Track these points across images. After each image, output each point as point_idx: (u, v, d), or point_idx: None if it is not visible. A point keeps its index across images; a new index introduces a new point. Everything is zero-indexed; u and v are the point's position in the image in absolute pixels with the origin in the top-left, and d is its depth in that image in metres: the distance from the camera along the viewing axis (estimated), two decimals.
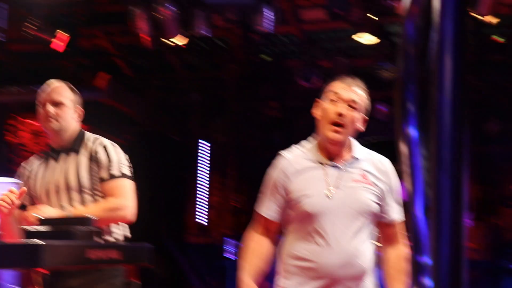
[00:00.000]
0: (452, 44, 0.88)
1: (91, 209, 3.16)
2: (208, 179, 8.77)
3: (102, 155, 3.25)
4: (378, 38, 7.34)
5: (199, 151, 8.78)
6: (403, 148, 1.06)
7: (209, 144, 8.80)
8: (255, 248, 3.00)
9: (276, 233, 3.03)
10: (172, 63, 8.33)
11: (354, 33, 7.30)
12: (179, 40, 7.07)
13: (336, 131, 2.87)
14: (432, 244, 0.84)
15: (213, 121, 8.78)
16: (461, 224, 0.83)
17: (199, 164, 8.73)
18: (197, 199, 8.68)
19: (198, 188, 8.70)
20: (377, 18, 6.96)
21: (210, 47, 8.32)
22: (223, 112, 8.63)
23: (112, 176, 3.23)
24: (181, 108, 8.93)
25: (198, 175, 8.72)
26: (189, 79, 8.61)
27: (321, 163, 2.92)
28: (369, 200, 2.91)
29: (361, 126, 2.96)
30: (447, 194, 0.83)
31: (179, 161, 8.69)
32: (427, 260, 0.95)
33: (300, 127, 8.67)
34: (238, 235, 8.28)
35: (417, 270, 0.95)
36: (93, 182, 3.24)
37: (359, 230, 2.92)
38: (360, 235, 2.92)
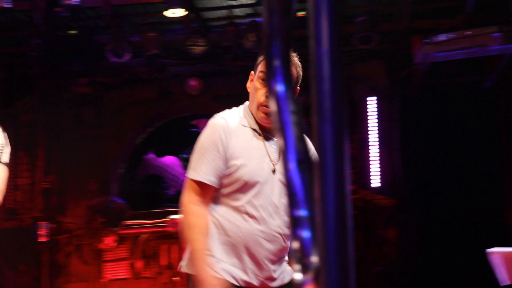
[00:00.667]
0: None
1: None
2: (15, 160, 8.36)
3: None
4: (189, 12, 7.34)
5: (6, 131, 8.33)
6: (273, 104, 1.06)
7: (15, 124, 8.39)
8: (201, 223, 2.83)
9: (211, 199, 2.89)
10: None
11: (164, 7, 7.25)
12: None
13: (266, 113, 2.84)
14: (317, 195, 0.84)
15: (19, 99, 8.38)
16: (345, 174, 0.84)
17: None
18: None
19: None
20: None
21: (11, 21, 7.91)
22: (29, 89, 8.25)
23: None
24: None
25: None
26: None
27: (259, 133, 2.87)
28: None
29: None
30: (330, 144, 0.83)
31: None
32: (303, 213, 0.96)
33: (111, 103, 8.51)
34: (49, 217, 8.00)
35: (295, 223, 0.96)
36: None
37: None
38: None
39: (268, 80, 1.10)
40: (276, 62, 1.07)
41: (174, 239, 7.56)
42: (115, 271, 7.87)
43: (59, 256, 8.17)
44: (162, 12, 7.34)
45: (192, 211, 2.85)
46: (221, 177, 2.86)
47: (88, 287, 7.98)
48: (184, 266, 2.96)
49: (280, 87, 1.06)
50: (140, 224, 7.72)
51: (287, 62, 1.08)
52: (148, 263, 7.90)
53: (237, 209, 2.85)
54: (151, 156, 9.32)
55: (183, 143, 9.06)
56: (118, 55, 7.48)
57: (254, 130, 2.90)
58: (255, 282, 2.89)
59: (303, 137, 1.04)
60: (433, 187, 8.11)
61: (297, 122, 1.04)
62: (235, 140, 2.86)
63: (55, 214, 8.13)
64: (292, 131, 1.02)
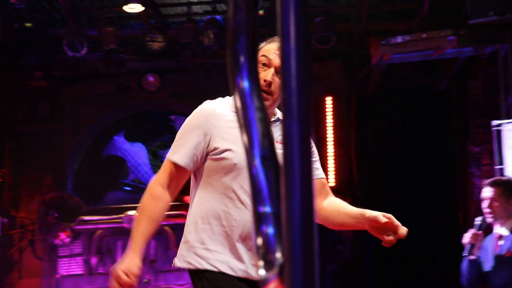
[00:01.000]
0: None
1: None
2: None
3: None
4: (147, 8, 7.32)
5: None
6: (237, 101, 1.07)
7: None
8: (156, 208, 2.82)
9: (182, 185, 2.89)
10: None
11: (122, 2, 7.21)
12: None
13: (264, 99, 2.78)
14: (283, 192, 0.84)
15: None
16: (310, 170, 0.85)
17: None
18: None
19: None
20: None
21: None
22: None
23: None
24: None
25: None
26: None
27: None
28: None
29: None
30: (296, 140, 0.84)
31: None
32: (268, 209, 0.97)
33: (67, 97, 8.43)
34: (2, 211, 7.89)
35: (259, 220, 0.96)
36: None
37: None
38: None
39: (233, 76, 1.11)
40: (242, 58, 1.07)
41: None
42: (69, 266, 7.80)
43: (12, 251, 8.06)
44: (121, 7, 7.30)
45: (154, 192, 2.84)
46: (199, 162, 2.84)
47: (41, 283, 7.89)
48: (184, 261, 2.87)
49: (245, 84, 1.06)
50: (95, 219, 7.66)
51: (252, 58, 1.09)
52: (103, 259, 7.84)
53: (228, 196, 2.80)
54: (121, 138, 9.25)
55: (156, 134, 9.02)
56: (74, 49, 7.40)
57: None
58: (252, 272, 2.82)
59: (268, 133, 1.05)
60: (388, 187, 8.20)
61: (262, 118, 1.05)
62: (224, 125, 2.82)
63: (8, 208, 8.01)
64: (257, 127, 1.03)
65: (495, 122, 6.22)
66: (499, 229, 4.94)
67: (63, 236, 7.56)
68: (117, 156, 9.22)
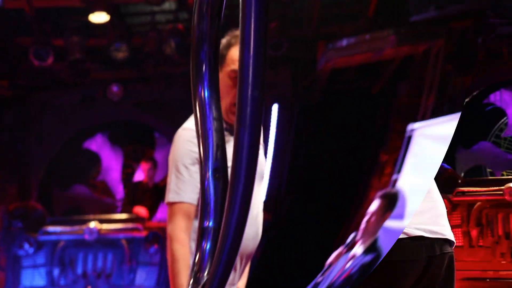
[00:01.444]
0: (255, 5, 0.90)
1: None
2: None
3: None
4: (112, 17, 7.31)
5: None
6: (197, 110, 1.08)
7: None
8: (187, 257, 2.56)
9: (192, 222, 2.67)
10: None
11: (88, 12, 7.20)
12: None
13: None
14: (227, 205, 0.83)
15: None
16: (253, 185, 0.86)
17: None
18: None
19: None
20: None
21: None
22: None
23: None
24: None
25: None
26: None
27: (228, 131, 2.59)
28: None
29: None
30: (245, 149, 0.84)
31: None
32: (211, 224, 0.97)
33: (32, 106, 8.36)
34: None
35: (202, 235, 0.96)
36: None
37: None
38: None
39: (194, 85, 1.13)
40: (204, 67, 1.09)
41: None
42: (33, 278, 7.72)
43: None
44: (87, 16, 7.28)
45: (181, 239, 2.62)
46: None
47: None
48: None
49: (206, 93, 1.08)
50: (59, 231, 7.61)
51: (214, 67, 1.11)
52: (65, 271, 7.77)
53: None
54: (105, 137, 9.16)
55: (131, 143, 8.93)
56: (40, 58, 7.36)
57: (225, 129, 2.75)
58: None
59: (222, 144, 1.06)
60: (312, 203, 7.86)
61: (218, 129, 1.06)
62: None
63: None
64: (212, 139, 1.03)
65: (410, 127, 5.71)
66: None
67: (27, 247, 7.49)
68: (94, 153, 9.15)
